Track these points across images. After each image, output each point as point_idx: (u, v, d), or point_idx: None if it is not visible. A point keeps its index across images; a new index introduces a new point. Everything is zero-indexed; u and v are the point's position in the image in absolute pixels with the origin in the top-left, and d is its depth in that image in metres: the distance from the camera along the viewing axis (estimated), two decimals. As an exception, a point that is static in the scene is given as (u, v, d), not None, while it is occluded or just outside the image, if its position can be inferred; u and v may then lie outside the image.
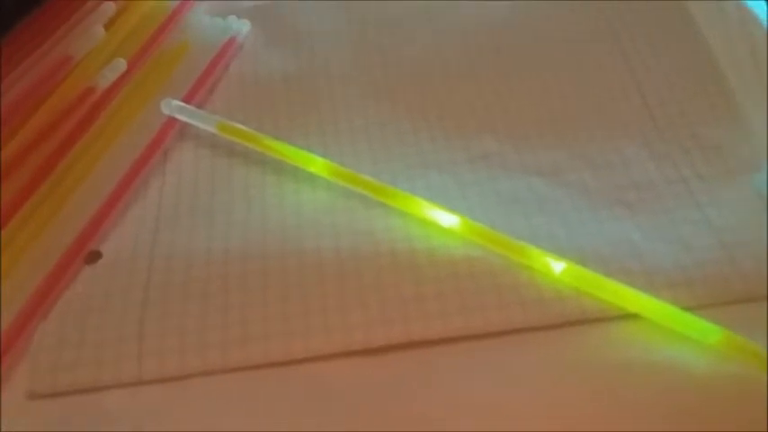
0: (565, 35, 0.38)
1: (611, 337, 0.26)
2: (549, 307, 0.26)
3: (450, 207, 0.29)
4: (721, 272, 0.27)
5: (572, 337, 0.26)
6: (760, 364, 0.24)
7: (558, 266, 0.27)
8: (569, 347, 0.26)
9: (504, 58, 0.37)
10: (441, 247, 0.28)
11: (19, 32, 0.37)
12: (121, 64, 0.35)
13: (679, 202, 0.30)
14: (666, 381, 0.24)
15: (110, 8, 0.38)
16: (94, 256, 0.28)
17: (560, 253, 0.27)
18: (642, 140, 0.33)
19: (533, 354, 0.25)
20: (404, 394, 0.25)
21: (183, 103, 0.33)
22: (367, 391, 0.25)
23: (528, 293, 0.27)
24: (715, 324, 0.25)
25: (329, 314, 0.26)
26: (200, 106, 0.34)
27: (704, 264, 0.28)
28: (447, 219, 0.29)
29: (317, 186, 0.31)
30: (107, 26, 0.37)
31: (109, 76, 0.35)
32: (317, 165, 0.30)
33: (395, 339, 0.26)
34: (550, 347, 0.26)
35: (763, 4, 0.38)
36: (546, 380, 0.25)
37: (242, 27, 0.39)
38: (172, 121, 0.33)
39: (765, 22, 0.37)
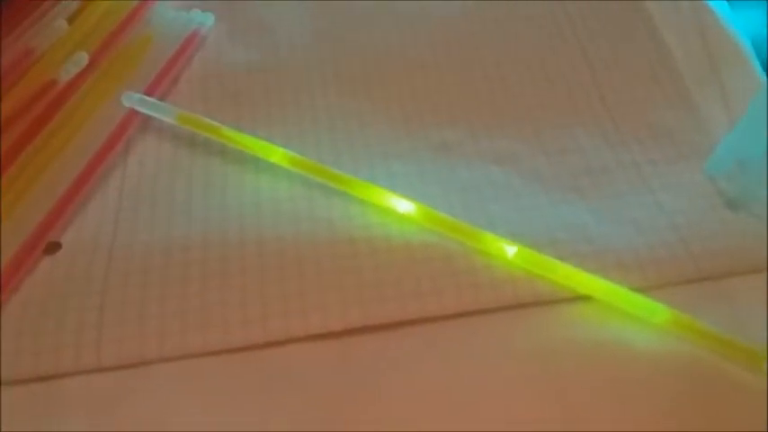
0: (523, 29, 0.38)
1: (563, 317, 0.26)
2: (502, 289, 0.27)
3: (411, 195, 0.30)
4: (672, 253, 0.28)
5: (525, 318, 0.27)
6: (707, 342, 0.25)
7: (510, 250, 0.27)
8: (522, 329, 0.26)
9: (465, 51, 0.37)
10: (398, 234, 0.29)
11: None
12: (83, 58, 0.35)
13: (631, 187, 0.31)
14: (616, 359, 0.25)
15: (72, 3, 0.38)
16: (54, 247, 0.29)
17: (515, 238, 0.28)
18: (597, 129, 0.33)
19: (488, 336, 0.26)
20: (360, 377, 0.25)
21: (143, 96, 0.33)
22: (325, 375, 0.25)
23: (482, 277, 0.27)
24: (662, 304, 0.26)
25: (288, 300, 0.27)
26: (162, 98, 0.35)
27: (655, 246, 0.28)
28: (404, 206, 0.29)
29: (277, 176, 0.31)
30: (70, 20, 0.37)
31: (71, 70, 0.34)
32: (276, 155, 0.31)
33: (352, 323, 0.26)
34: (504, 329, 0.26)
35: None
36: (500, 361, 0.25)
37: (206, 20, 0.39)
38: (133, 113, 0.33)
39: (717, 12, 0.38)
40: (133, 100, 0.33)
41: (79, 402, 0.25)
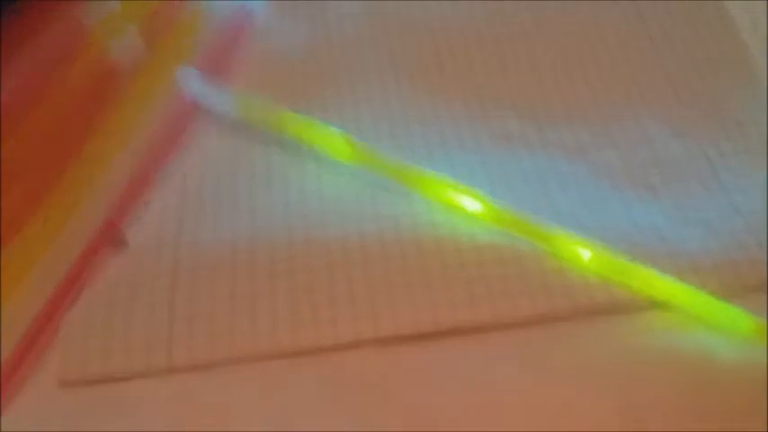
0: (590, 19, 0.37)
1: (641, 326, 0.26)
2: (577, 295, 0.26)
3: (473, 185, 0.29)
4: (750, 257, 0.27)
5: (601, 326, 0.26)
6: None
7: (585, 254, 0.27)
8: (599, 337, 0.26)
9: (527, 38, 0.36)
10: (465, 234, 0.28)
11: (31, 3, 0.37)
12: (135, 35, 0.34)
13: (703, 184, 0.30)
14: (697, 371, 0.25)
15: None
16: (121, 244, 0.28)
17: (582, 232, 0.27)
18: (666, 120, 0.32)
19: (562, 343, 0.26)
20: (431, 382, 0.25)
21: (198, 76, 0.32)
22: (394, 380, 0.25)
23: (556, 280, 0.27)
24: (746, 311, 0.25)
25: (356, 302, 0.26)
26: (213, 81, 0.34)
27: (731, 249, 0.27)
28: (471, 204, 0.28)
29: (338, 170, 0.31)
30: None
31: (125, 46, 0.34)
32: (338, 144, 0.30)
33: (422, 328, 0.26)
34: (580, 337, 0.26)
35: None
36: (575, 369, 0.25)
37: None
38: (192, 101, 0.32)
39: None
40: (189, 77, 0.32)
41: (149, 403, 0.25)
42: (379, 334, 0.26)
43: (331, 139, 0.30)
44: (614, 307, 0.26)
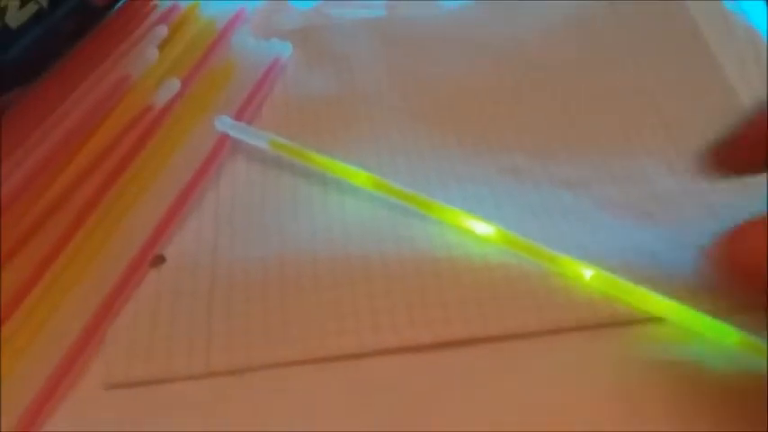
0: (588, 59, 0.40)
1: (639, 337, 0.28)
2: (581, 309, 0.29)
3: (485, 216, 0.31)
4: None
5: (603, 337, 0.28)
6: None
7: (587, 273, 0.29)
8: (600, 347, 0.28)
9: (531, 81, 0.39)
10: (477, 254, 0.31)
11: (76, 54, 0.40)
12: (176, 84, 0.37)
13: (698, 214, 0.32)
14: (689, 376, 0.27)
15: (163, 30, 0.41)
16: (159, 260, 0.31)
17: (588, 260, 0.30)
18: (662, 157, 0.35)
19: (567, 353, 0.28)
20: (447, 388, 0.27)
21: (235, 121, 0.35)
22: (416, 385, 0.27)
23: (561, 297, 0.29)
24: (733, 327, 0.27)
25: (377, 314, 0.29)
26: (248, 124, 0.37)
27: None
28: (482, 228, 0.31)
29: (358, 197, 0.33)
30: (160, 47, 0.40)
31: (165, 96, 0.37)
32: (361, 178, 0.33)
33: (438, 338, 0.28)
34: (582, 347, 0.28)
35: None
36: (579, 378, 0.27)
37: (285, 49, 0.41)
38: (223, 138, 0.35)
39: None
40: (226, 124, 0.35)
41: (190, 404, 0.27)
42: (401, 343, 0.28)
43: (356, 176, 0.33)
44: (615, 320, 0.28)
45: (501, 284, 0.30)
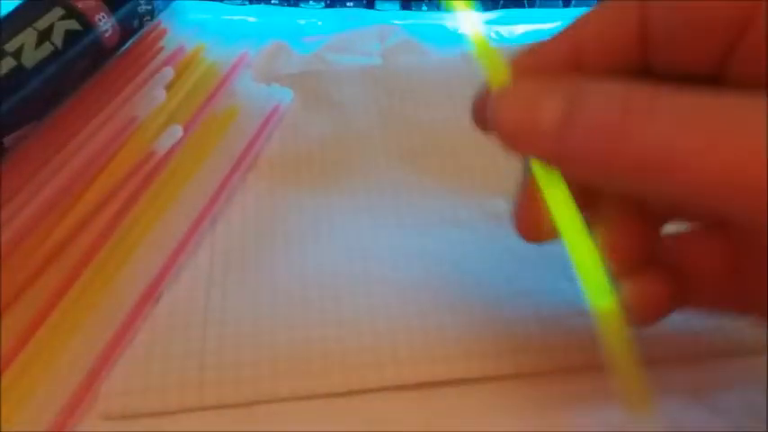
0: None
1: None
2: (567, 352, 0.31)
3: (467, 259, 0.33)
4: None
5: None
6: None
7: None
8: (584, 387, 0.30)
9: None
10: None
11: (84, 94, 0.42)
12: (178, 130, 0.39)
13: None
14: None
15: (169, 73, 0.43)
16: (155, 300, 0.33)
17: (568, 304, 0.32)
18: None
19: (578, 391, 0.30)
20: (460, 422, 0.29)
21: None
22: (427, 419, 0.29)
23: (572, 338, 0.31)
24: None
25: (380, 351, 0.30)
26: (248, 168, 0.39)
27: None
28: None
29: (349, 237, 0.36)
30: (166, 89, 0.42)
31: (167, 142, 0.39)
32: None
33: (457, 375, 0.30)
34: (591, 388, 0.30)
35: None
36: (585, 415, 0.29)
37: (285, 95, 0.43)
38: (221, 187, 0.37)
39: None
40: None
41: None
42: (402, 381, 0.30)
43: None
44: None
45: (515, 324, 0.31)
